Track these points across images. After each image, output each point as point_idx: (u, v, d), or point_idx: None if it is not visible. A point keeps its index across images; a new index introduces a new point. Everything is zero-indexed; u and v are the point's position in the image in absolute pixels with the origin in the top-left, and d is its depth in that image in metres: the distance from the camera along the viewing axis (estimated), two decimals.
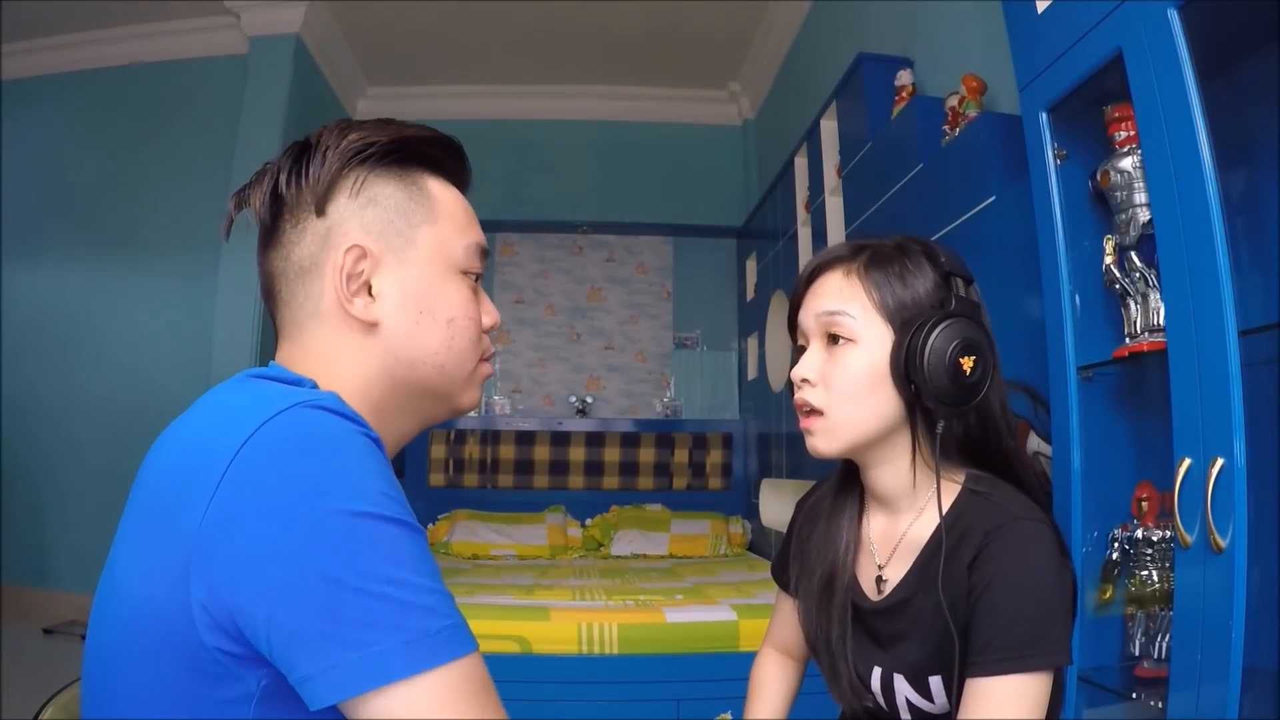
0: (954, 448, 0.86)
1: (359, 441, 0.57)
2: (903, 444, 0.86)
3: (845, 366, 0.83)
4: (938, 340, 0.79)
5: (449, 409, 0.73)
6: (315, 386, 0.64)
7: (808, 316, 0.87)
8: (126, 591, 0.57)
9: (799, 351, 0.89)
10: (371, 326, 0.68)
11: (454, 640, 0.53)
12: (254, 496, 0.53)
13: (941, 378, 0.79)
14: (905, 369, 0.80)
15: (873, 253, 0.86)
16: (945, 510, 0.83)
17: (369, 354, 0.68)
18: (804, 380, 0.85)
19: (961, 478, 0.86)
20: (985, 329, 0.83)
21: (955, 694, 0.78)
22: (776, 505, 3.43)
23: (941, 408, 0.81)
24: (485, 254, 0.75)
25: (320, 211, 0.68)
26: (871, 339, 0.83)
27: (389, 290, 0.68)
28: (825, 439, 0.85)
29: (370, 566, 0.51)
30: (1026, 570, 0.76)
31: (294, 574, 0.50)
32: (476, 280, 0.74)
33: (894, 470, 0.87)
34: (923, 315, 0.81)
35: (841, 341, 0.84)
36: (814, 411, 0.85)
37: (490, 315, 0.75)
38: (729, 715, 2.24)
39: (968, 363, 0.79)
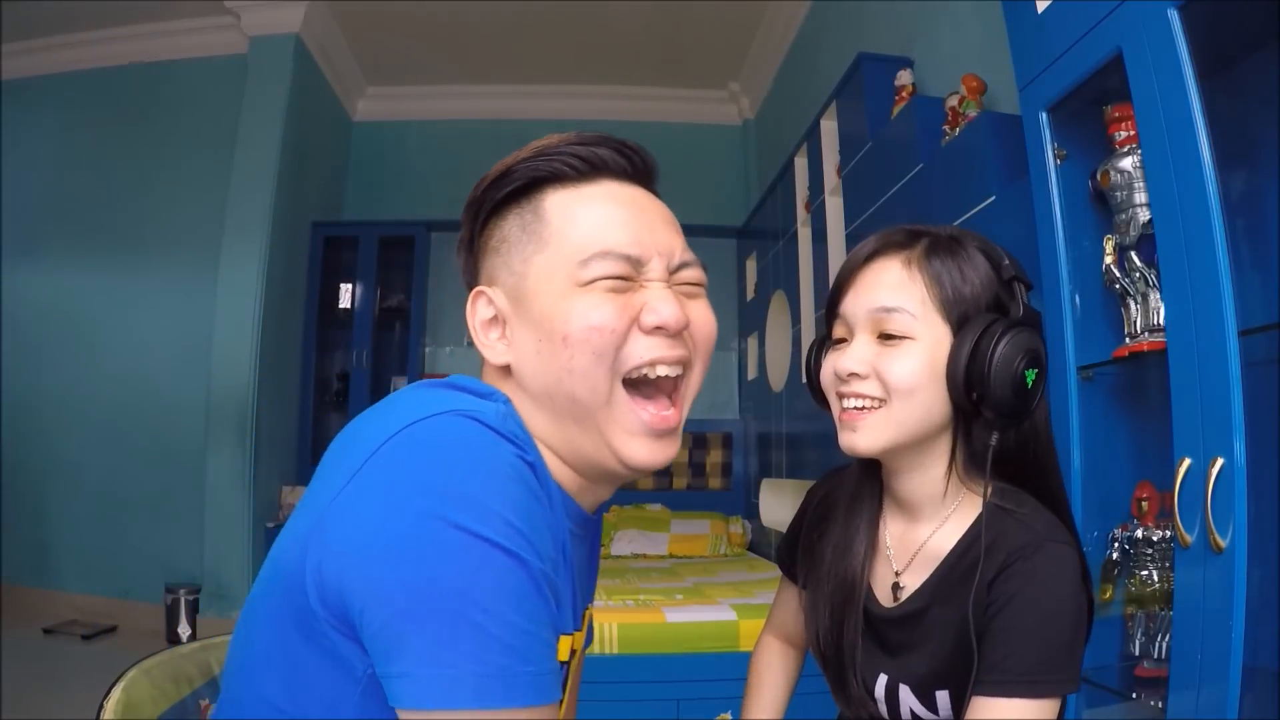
0: (984, 458, 0.82)
1: (505, 461, 0.55)
2: (940, 450, 0.82)
3: (902, 364, 0.77)
4: (1006, 349, 0.74)
5: (611, 455, 0.65)
6: (507, 403, 0.63)
7: (858, 307, 0.81)
8: (276, 550, 0.60)
9: (836, 342, 0.84)
10: (506, 367, 0.67)
11: (531, 688, 0.52)
12: (380, 492, 0.53)
13: (1006, 389, 0.75)
14: (966, 376, 0.76)
15: (931, 241, 0.81)
16: (970, 525, 0.81)
17: (516, 392, 0.67)
18: (852, 374, 0.79)
19: (988, 490, 0.82)
20: (1044, 339, 0.80)
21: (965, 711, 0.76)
22: (776, 505, 3.43)
23: (999, 419, 0.77)
24: (623, 257, 0.65)
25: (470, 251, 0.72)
26: (929, 337, 0.78)
27: (515, 330, 0.67)
28: (871, 435, 0.79)
29: (471, 591, 0.50)
30: (1047, 594, 0.73)
31: (395, 577, 0.51)
32: (626, 280, 0.65)
33: (925, 478, 0.83)
34: (980, 316, 0.77)
35: (895, 338, 0.78)
36: (865, 406, 0.79)
37: (655, 313, 0.64)
38: (729, 715, 2.24)
39: (1031, 375, 0.76)
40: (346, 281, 4.55)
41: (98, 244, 4.27)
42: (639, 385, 0.66)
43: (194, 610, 3.66)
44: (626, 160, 0.69)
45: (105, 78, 4.38)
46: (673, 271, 0.68)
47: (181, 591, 3.65)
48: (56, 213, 4.32)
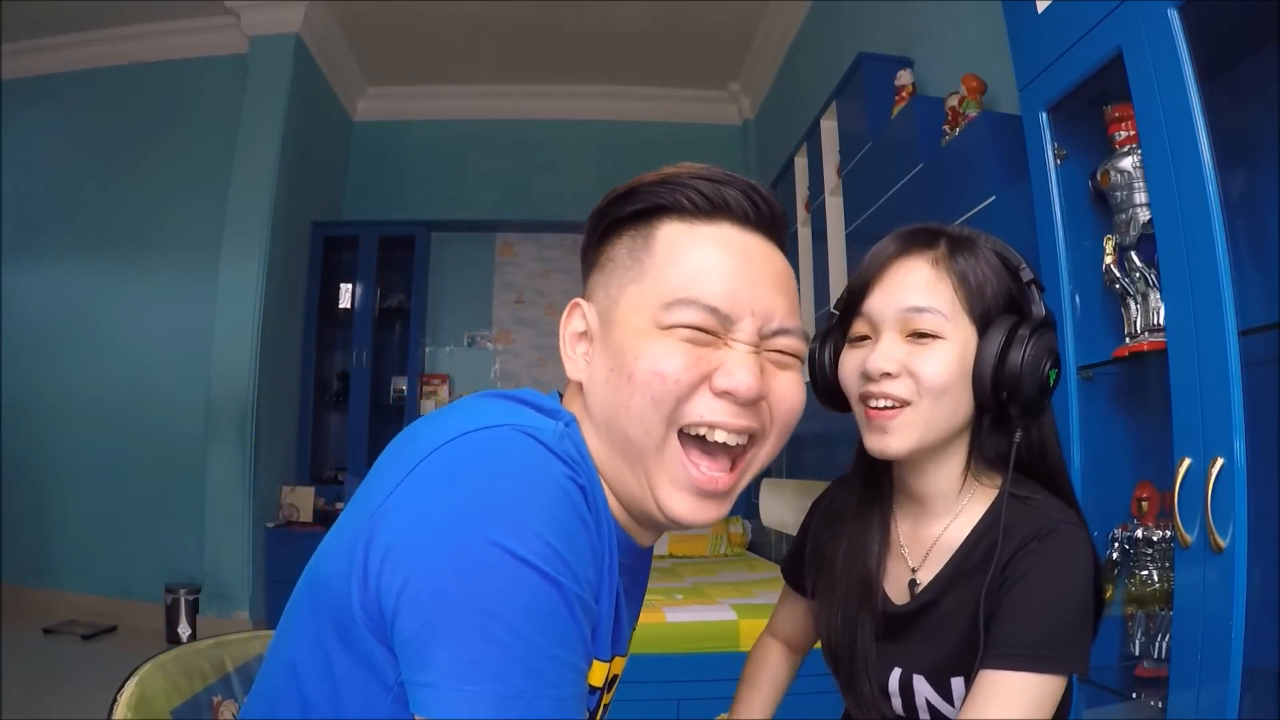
0: (995, 454, 0.84)
1: (553, 481, 0.55)
2: (959, 447, 0.83)
3: (934, 363, 0.78)
4: (1034, 351, 0.77)
5: (653, 503, 0.63)
6: (572, 423, 0.63)
7: (886, 306, 0.81)
8: (321, 550, 0.60)
9: (858, 340, 0.84)
10: (580, 384, 0.67)
11: (551, 710, 0.51)
12: (422, 502, 0.53)
13: (1033, 387, 0.77)
14: (994, 374, 0.78)
15: (951, 241, 0.82)
16: (982, 515, 0.82)
17: (584, 414, 0.66)
18: (885, 374, 0.79)
19: (999, 482, 0.83)
20: (1058, 339, 0.82)
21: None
22: (776, 505, 3.43)
23: (1022, 417, 0.79)
24: (709, 309, 0.62)
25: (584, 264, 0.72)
26: (957, 337, 0.79)
27: (596, 353, 0.66)
28: (903, 437, 0.79)
29: (501, 610, 0.50)
30: (1059, 573, 0.74)
31: (428, 588, 0.51)
32: (709, 334, 0.62)
33: (943, 474, 0.84)
34: (1003, 317, 0.79)
35: (926, 337, 0.79)
36: (896, 406, 0.79)
37: (729, 377, 0.61)
38: (729, 715, 2.24)
39: (1053, 375, 0.79)
40: (346, 281, 4.56)
41: (98, 243, 4.27)
42: (701, 441, 0.63)
43: (194, 610, 3.66)
44: (751, 205, 0.66)
45: (105, 78, 4.38)
46: (765, 336, 0.64)
47: (181, 591, 3.65)
48: (56, 212, 4.32)
